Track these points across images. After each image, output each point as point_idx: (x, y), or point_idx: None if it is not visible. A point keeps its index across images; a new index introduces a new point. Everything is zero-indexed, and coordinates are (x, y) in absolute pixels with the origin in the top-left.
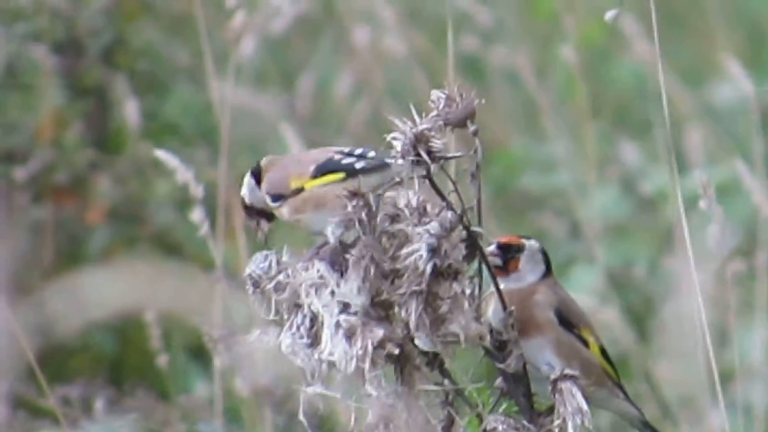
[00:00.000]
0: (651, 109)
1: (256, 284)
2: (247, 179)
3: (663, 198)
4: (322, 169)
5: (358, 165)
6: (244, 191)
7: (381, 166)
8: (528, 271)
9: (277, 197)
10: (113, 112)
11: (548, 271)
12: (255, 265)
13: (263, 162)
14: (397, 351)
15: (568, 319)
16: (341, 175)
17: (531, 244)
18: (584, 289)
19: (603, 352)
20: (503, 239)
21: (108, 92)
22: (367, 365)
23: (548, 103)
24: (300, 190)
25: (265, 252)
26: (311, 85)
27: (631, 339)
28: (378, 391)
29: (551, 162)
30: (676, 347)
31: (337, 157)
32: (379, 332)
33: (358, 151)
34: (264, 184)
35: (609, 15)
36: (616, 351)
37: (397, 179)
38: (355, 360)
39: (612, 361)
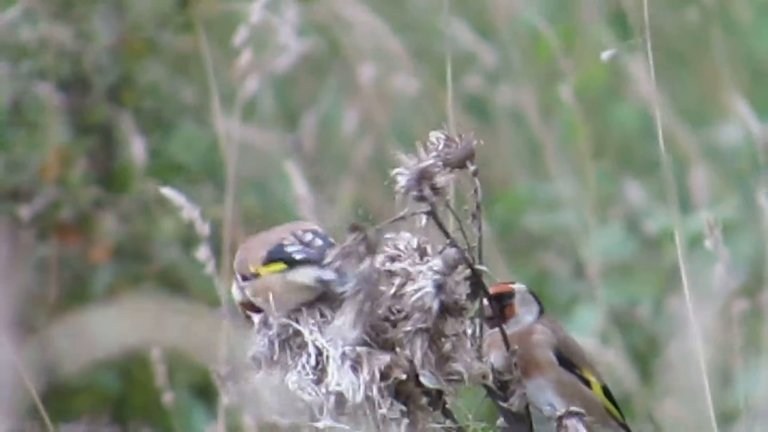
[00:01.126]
0: (655, 149)
1: (259, 365)
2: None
3: (667, 237)
4: (271, 257)
5: (298, 257)
6: (234, 292)
7: (318, 259)
8: (524, 314)
9: (244, 278)
10: (118, 150)
11: (541, 309)
12: (257, 346)
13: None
14: (404, 377)
15: (569, 359)
16: (283, 265)
17: (519, 287)
18: (587, 329)
19: (606, 391)
20: (492, 290)
21: (113, 130)
22: (375, 392)
23: (552, 143)
24: (256, 275)
25: (263, 332)
26: (316, 123)
27: (635, 379)
28: (391, 422)
29: (555, 201)
30: (680, 387)
31: (286, 242)
32: (386, 358)
33: (308, 238)
34: (235, 264)
35: (606, 55)
36: (620, 391)
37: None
38: (362, 388)
39: (615, 401)
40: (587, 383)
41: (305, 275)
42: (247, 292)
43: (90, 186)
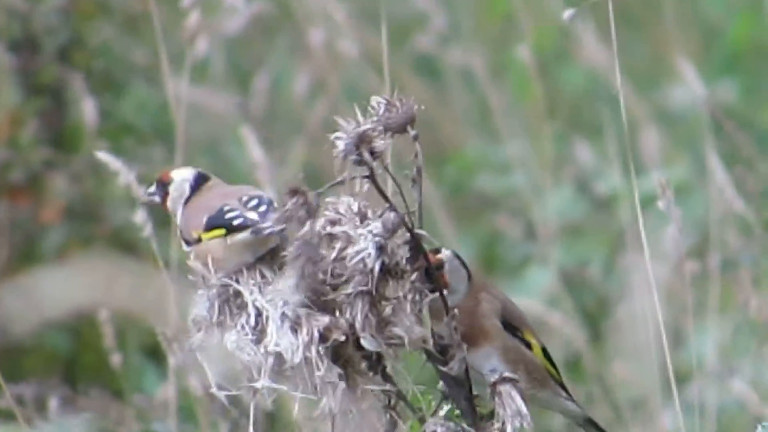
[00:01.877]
0: (605, 111)
1: (199, 327)
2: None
3: (617, 199)
4: (211, 223)
5: (236, 222)
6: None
7: (255, 225)
8: (457, 282)
9: (187, 243)
10: (69, 111)
11: (469, 274)
12: (197, 308)
13: None
14: (343, 338)
15: (512, 323)
16: (222, 231)
17: (446, 255)
18: (538, 290)
19: (545, 352)
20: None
21: (64, 91)
22: (313, 353)
23: (503, 104)
24: (199, 240)
25: (203, 292)
26: (266, 85)
27: (585, 340)
28: (327, 384)
29: (506, 163)
30: (630, 348)
31: (226, 208)
32: (324, 319)
33: (253, 203)
34: (179, 229)
35: (566, 14)
36: (570, 352)
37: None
38: (301, 349)
39: (554, 362)
40: (528, 345)
41: (243, 238)
42: (191, 255)
43: (41, 147)
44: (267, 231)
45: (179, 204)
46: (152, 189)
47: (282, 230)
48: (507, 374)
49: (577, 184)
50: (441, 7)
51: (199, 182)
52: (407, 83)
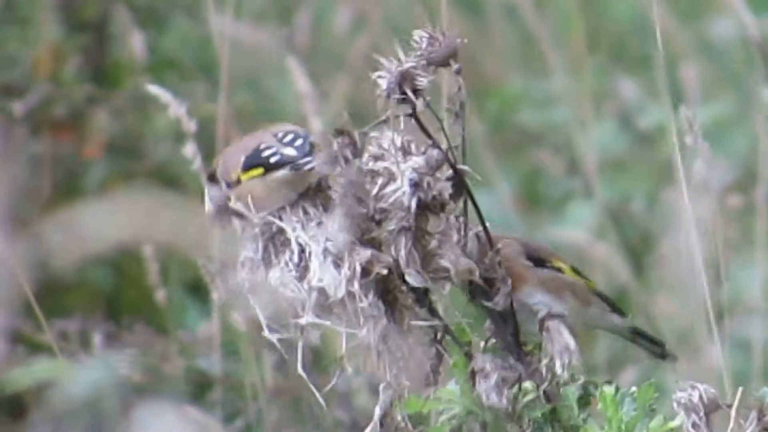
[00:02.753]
0: (649, 45)
1: (244, 265)
2: (206, 188)
3: (661, 133)
4: (248, 163)
5: (273, 159)
6: (206, 202)
7: (293, 161)
8: None
9: (228, 184)
10: (111, 46)
11: None
12: (242, 248)
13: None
14: (385, 272)
15: (539, 257)
16: (261, 170)
17: None
18: (581, 224)
19: (575, 270)
20: None
21: (106, 26)
22: (356, 286)
23: (546, 39)
24: (238, 181)
25: (246, 232)
26: (309, 20)
27: (629, 274)
28: (369, 318)
29: (549, 98)
30: (674, 282)
31: (263, 146)
32: (367, 253)
33: (289, 137)
34: (218, 172)
35: None
36: (614, 286)
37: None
38: (344, 283)
39: (586, 276)
40: (560, 270)
41: (282, 176)
42: (232, 198)
43: (83, 82)
44: (306, 167)
45: (213, 189)
46: None
47: (320, 165)
48: (555, 310)
49: (620, 119)
50: None
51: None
52: (450, 17)
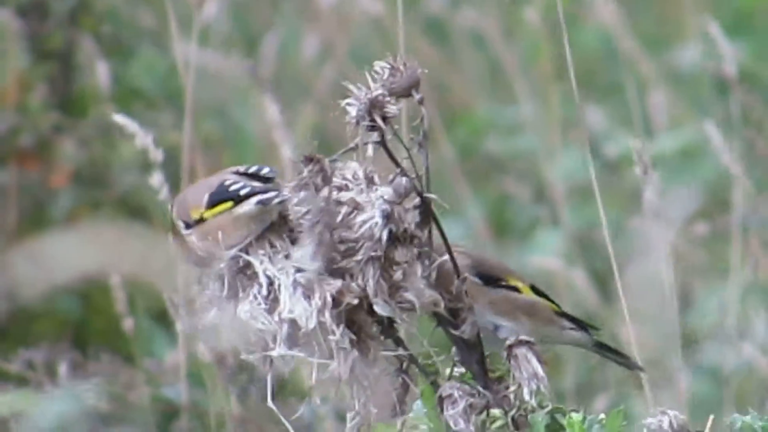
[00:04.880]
0: (616, 73)
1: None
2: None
3: (627, 161)
4: (215, 198)
5: (243, 191)
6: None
7: (264, 191)
8: None
9: (187, 225)
10: (78, 75)
11: None
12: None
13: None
14: (356, 302)
15: (491, 274)
16: (230, 204)
17: None
18: (549, 252)
19: (534, 289)
20: None
21: (72, 55)
22: (327, 317)
23: (514, 66)
24: (201, 220)
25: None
26: (274, 48)
27: (597, 300)
28: (340, 349)
29: (516, 125)
30: (642, 309)
31: (228, 182)
32: (337, 283)
33: (252, 169)
34: (174, 209)
35: None
36: (582, 312)
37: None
38: (315, 314)
39: (547, 295)
40: (515, 289)
41: (252, 209)
42: (193, 238)
43: (49, 111)
44: (276, 199)
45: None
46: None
47: (289, 198)
48: (523, 336)
49: (586, 146)
50: None
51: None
52: (417, 46)
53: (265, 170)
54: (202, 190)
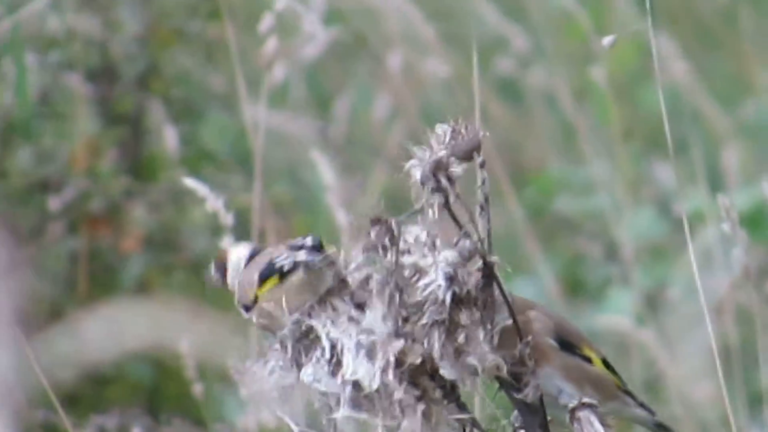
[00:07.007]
0: (686, 129)
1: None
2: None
3: (699, 218)
4: (263, 277)
5: (287, 266)
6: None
7: (306, 262)
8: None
9: (246, 308)
10: (148, 139)
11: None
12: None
13: None
14: (419, 361)
15: (568, 341)
16: (276, 279)
17: None
18: (620, 311)
19: (605, 363)
20: None
21: (142, 119)
22: (390, 377)
23: (585, 126)
24: (255, 300)
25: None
26: (346, 110)
27: (667, 360)
28: (407, 407)
29: (588, 184)
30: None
31: (275, 258)
32: (399, 343)
33: (298, 242)
34: (235, 300)
35: (606, 41)
36: (653, 373)
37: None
38: (379, 374)
39: (615, 370)
40: (589, 360)
41: (297, 279)
42: (254, 320)
43: (119, 176)
44: (318, 263)
45: (236, 280)
46: (212, 271)
47: (329, 262)
48: (586, 399)
49: (658, 205)
50: (521, 28)
51: (254, 255)
52: (489, 106)
53: (308, 241)
54: (253, 271)
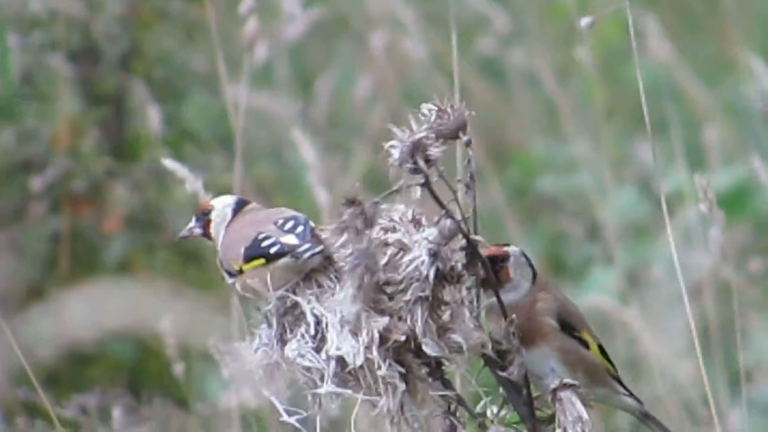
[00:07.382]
0: (668, 109)
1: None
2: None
3: (680, 198)
4: (249, 254)
5: (273, 250)
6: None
7: (293, 250)
8: (520, 278)
9: (231, 274)
10: (130, 119)
11: (534, 273)
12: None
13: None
14: (403, 339)
15: (570, 323)
16: (262, 261)
17: (513, 250)
18: (603, 290)
19: (601, 349)
20: (487, 252)
21: (124, 99)
22: (375, 353)
23: (568, 105)
24: (240, 271)
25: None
26: (329, 90)
27: (650, 339)
28: (389, 385)
29: (570, 164)
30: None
31: (261, 236)
32: (384, 320)
33: (289, 225)
34: (218, 262)
35: (584, 22)
36: (636, 351)
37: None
38: (363, 350)
39: (610, 358)
40: (586, 345)
41: (284, 264)
42: (237, 286)
43: (101, 156)
44: (307, 255)
45: (222, 229)
46: (192, 223)
47: (321, 250)
48: (567, 380)
49: (640, 184)
50: (502, 9)
51: (240, 206)
52: (471, 85)
53: (299, 229)
54: (239, 242)
